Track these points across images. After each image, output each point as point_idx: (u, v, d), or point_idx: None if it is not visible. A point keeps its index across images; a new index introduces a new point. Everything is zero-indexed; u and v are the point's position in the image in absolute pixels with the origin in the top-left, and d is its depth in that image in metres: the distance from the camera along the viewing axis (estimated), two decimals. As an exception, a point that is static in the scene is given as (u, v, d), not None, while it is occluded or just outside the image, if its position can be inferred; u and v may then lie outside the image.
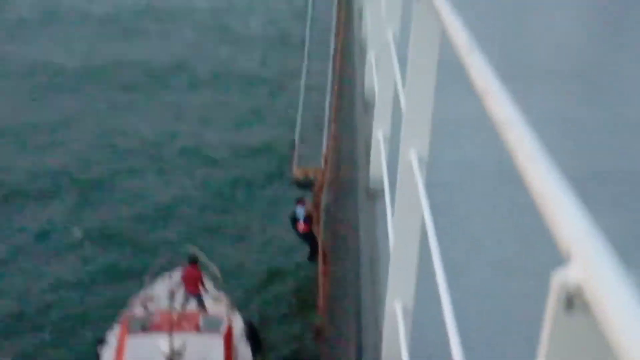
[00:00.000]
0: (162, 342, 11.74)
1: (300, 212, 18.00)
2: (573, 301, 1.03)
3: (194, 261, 14.73)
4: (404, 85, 3.64)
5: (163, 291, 14.63)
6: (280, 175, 23.42)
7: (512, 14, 11.45)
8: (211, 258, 16.06)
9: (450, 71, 2.64)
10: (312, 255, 18.09)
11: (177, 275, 15.11)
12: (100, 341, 14.20)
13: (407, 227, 3.19)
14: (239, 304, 17.30)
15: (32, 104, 31.55)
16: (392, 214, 3.48)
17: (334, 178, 13.58)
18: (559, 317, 1.05)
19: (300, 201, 18.25)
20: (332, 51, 21.31)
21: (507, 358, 3.32)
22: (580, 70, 8.60)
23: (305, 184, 19.20)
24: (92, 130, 30.35)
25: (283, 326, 18.22)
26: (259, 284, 19.86)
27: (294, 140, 21.16)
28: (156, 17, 44.42)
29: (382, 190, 4.42)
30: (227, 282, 17.54)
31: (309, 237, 18.13)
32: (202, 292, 14.55)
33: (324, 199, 16.79)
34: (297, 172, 19.73)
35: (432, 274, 2.56)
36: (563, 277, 1.04)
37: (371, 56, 6.58)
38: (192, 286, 14.40)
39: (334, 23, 21.92)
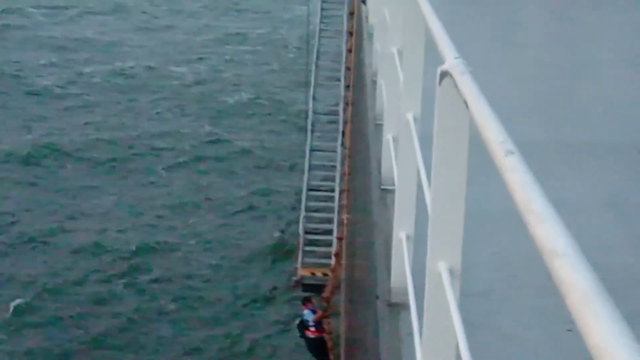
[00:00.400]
0: None
1: (308, 315, 17.51)
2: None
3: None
4: (429, 180, 3.60)
5: None
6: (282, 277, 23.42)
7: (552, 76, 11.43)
8: None
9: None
10: None
11: None
12: None
13: (437, 349, 3.14)
14: None
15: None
16: (420, 334, 3.45)
17: (347, 279, 13.39)
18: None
19: (306, 303, 17.85)
20: (340, 127, 21.03)
21: None
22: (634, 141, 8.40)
23: (312, 287, 18.60)
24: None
25: None
26: None
27: (298, 235, 20.78)
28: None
29: (407, 303, 4.32)
30: None
31: (319, 343, 17.50)
32: None
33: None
34: (301, 272, 19.14)
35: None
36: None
37: (389, 139, 6.52)
38: None
39: (342, 93, 21.71)
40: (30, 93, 47.81)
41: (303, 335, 17.65)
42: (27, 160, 37.93)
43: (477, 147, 2.55)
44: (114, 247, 30.12)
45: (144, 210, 33.58)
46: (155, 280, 27.71)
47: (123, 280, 27.84)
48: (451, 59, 2.96)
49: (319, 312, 17.38)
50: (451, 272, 2.98)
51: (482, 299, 4.54)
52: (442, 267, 3.01)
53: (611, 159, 7.62)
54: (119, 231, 31.58)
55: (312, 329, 17.26)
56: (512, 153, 2.08)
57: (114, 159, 37.81)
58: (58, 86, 47.28)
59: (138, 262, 29.14)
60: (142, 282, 27.90)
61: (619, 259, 5.63)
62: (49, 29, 65.87)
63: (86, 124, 42.84)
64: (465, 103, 2.66)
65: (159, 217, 32.68)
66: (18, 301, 25.48)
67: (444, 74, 2.92)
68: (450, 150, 3.06)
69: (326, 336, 16.94)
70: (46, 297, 25.93)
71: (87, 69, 51.71)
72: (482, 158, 2.39)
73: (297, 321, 18.22)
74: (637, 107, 10.79)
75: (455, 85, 2.78)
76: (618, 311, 1.11)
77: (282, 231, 26.20)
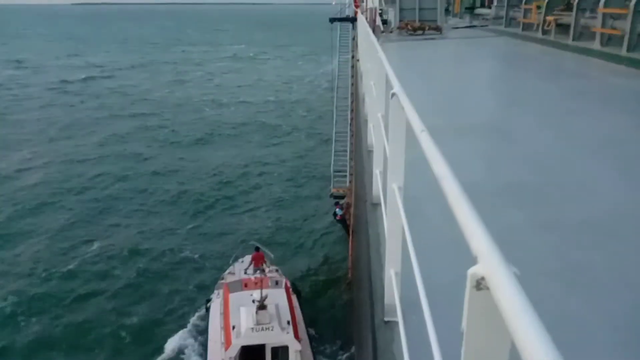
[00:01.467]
0: (254, 294, 11.73)
1: (338, 210, 18.63)
2: (480, 284, 1.05)
3: (257, 248, 15.25)
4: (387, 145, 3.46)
5: (239, 268, 15.29)
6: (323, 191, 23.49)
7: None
8: (267, 246, 16.77)
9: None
10: (346, 233, 18.33)
11: (247, 258, 15.57)
12: (208, 300, 14.58)
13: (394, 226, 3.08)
14: (291, 270, 17.80)
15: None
16: (386, 216, 3.36)
17: (354, 194, 13.62)
18: (472, 293, 1.07)
19: (337, 204, 18.91)
20: (348, 120, 21.15)
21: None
22: (494, 125, 8.46)
23: (338, 196, 19.60)
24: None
25: (324, 281, 18.19)
26: (310, 255, 19.86)
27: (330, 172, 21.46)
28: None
29: (380, 204, 4.32)
30: (282, 258, 18.13)
31: (344, 222, 18.34)
32: (264, 266, 14.88)
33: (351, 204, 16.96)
34: (333, 190, 20.31)
35: (409, 251, 2.52)
36: (474, 271, 1.06)
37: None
38: (258, 263, 14.91)
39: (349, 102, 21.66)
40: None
41: (335, 218, 19.10)
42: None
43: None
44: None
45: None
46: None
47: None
48: (397, 87, 3.04)
49: (345, 209, 18.44)
50: (399, 188, 2.99)
51: (414, 202, 4.58)
52: (394, 186, 3.00)
53: (477, 133, 7.67)
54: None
55: (339, 216, 18.60)
56: (423, 131, 2.37)
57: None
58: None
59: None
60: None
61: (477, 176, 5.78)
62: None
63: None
64: (403, 108, 2.73)
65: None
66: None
67: (393, 95, 2.95)
68: (396, 134, 3.02)
69: (347, 220, 17.49)
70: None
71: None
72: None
73: (332, 212, 19.42)
74: (488, 101, 10.89)
75: (399, 101, 2.82)
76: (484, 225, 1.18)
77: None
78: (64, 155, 31.00)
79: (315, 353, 12.93)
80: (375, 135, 5.17)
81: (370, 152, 6.30)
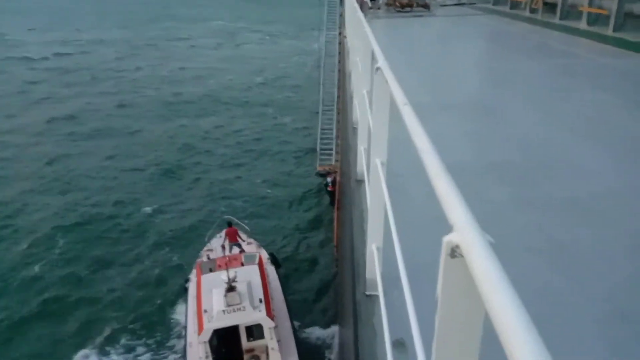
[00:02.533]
0: (222, 275, 11.56)
1: (329, 180, 18.77)
2: (454, 252, 1.05)
3: (229, 223, 14.92)
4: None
5: (217, 245, 14.93)
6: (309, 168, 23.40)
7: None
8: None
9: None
10: (333, 204, 18.43)
11: (223, 234, 15.18)
12: (187, 280, 14.34)
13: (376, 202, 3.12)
14: (276, 245, 17.59)
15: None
16: (369, 192, 3.38)
17: (340, 172, 13.63)
18: (447, 261, 1.07)
19: (329, 174, 19.09)
20: (335, 106, 20.98)
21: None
22: (480, 103, 8.49)
23: (324, 174, 19.70)
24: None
25: (310, 256, 17.98)
26: (297, 231, 19.58)
27: (315, 150, 21.36)
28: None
29: (364, 181, 4.33)
30: (267, 233, 17.93)
31: (332, 193, 18.51)
32: (239, 241, 14.63)
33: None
34: (319, 167, 20.33)
35: (390, 228, 2.53)
36: (449, 239, 1.06)
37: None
38: (232, 238, 14.57)
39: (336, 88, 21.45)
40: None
41: (327, 188, 19.22)
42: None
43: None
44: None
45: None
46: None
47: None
48: (382, 61, 3.03)
49: (333, 179, 18.57)
50: (382, 164, 3.02)
51: (399, 178, 4.58)
52: (377, 162, 3.03)
53: (463, 111, 7.72)
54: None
55: (330, 187, 18.70)
56: (406, 104, 2.35)
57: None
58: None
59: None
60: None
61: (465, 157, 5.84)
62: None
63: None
64: (387, 82, 2.67)
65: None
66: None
67: (378, 69, 2.92)
68: (380, 108, 3.03)
69: (336, 190, 17.72)
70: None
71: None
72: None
73: (323, 182, 19.67)
74: (475, 79, 10.88)
75: (383, 74, 2.79)
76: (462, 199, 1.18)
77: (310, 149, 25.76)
78: (30, 133, 29.68)
79: (297, 326, 12.93)
80: (361, 111, 5.14)
81: (355, 128, 6.30)
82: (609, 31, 15.33)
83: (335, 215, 16.74)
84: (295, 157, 26.62)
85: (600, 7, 16.59)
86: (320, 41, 25.05)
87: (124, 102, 36.49)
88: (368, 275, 3.27)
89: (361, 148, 4.72)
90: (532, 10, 21.60)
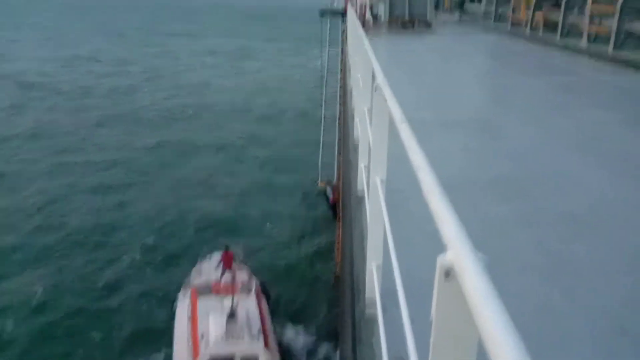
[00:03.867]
0: (225, 301, 11.22)
1: (329, 191, 18.31)
2: (448, 273, 1.04)
3: (227, 248, 14.09)
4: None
5: (208, 267, 14.18)
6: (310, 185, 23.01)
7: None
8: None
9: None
10: (335, 217, 18.09)
11: (216, 257, 14.39)
12: (174, 301, 13.57)
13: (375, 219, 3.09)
14: (273, 264, 16.68)
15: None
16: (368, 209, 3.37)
17: (341, 189, 13.57)
18: (441, 282, 1.06)
19: (329, 184, 18.74)
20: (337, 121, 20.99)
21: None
22: (480, 120, 8.50)
23: (324, 191, 19.18)
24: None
25: (310, 275, 17.15)
26: (296, 248, 18.77)
27: (318, 165, 21.12)
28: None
29: (364, 198, 4.32)
30: (263, 252, 17.14)
31: (333, 205, 18.11)
32: (233, 266, 13.78)
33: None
34: (320, 184, 20.08)
35: (388, 247, 2.52)
36: (443, 259, 1.05)
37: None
38: (227, 263, 13.79)
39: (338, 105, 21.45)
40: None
41: (327, 200, 18.63)
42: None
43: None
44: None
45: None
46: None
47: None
48: (381, 79, 3.02)
49: (335, 195, 18.06)
50: (381, 181, 3.01)
51: (399, 195, 4.52)
52: (377, 179, 3.02)
53: (463, 128, 7.72)
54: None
55: (331, 198, 18.15)
56: (404, 122, 2.36)
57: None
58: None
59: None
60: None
61: (455, 169, 5.87)
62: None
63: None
64: (385, 100, 2.69)
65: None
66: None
67: (376, 87, 2.95)
68: (379, 126, 3.04)
69: (337, 203, 17.46)
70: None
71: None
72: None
73: (321, 190, 19.18)
74: (475, 96, 10.92)
75: (382, 93, 2.80)
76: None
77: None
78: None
79: (294, 344, 12.64)
80: (361, 128, 5.15)
81: (356, 145, 6.30)
82: (609, 49, 15.42)
83: (337, 232, 16.58)
84: (295, 172, 26.43)
85: (600, 26, 16.72)
86: (323, 58, 25.21)
87: (113, 123, 34.41)
88: (367, 293, 3.24)
89: (361, 165, 4.71)
90: (533, 29, 21.78)
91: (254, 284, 13.09)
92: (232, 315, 11.00)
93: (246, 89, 46.67)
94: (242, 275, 13.78)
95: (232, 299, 11.16)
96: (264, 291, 13.64)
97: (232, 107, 40.36)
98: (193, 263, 15.31)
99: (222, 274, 13.53)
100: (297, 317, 14.50)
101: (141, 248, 18.08)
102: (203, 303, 12.03)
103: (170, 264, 17.04)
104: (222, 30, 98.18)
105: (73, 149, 29.00)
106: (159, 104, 40.26)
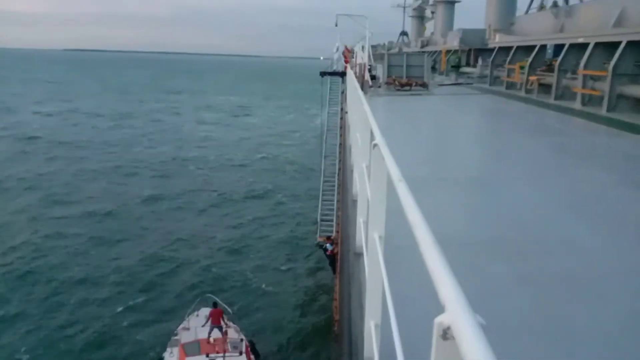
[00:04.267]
0: None
1: (329, 245, 18.05)
2: (446, 334, 1.04)
3: (215, 304, 13.97)
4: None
5: (195, 324, 13.86)
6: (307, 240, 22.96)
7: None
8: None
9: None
10: (334, 270, 17.85)
11: (203, 312, 14.17)
12: (161, 359, 13.10)
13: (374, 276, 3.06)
14: (269, 323, 16.36)
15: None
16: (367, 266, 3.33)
17: (339, 245, 13.42)
18: (439, 343, 1.06)
19: (328, 238, 18.48)
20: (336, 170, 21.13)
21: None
22: (476, 178, 8.58)
23: (322, 245, 18.91)
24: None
25: (307, 333, 16.79)
26: (292, 307, 18.40)
27: (317, 219, 20.93)
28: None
29: (362, 254, 4.29)
30: (257, 310, 16.83)
31: (332, 258, 17.94)
32: (222, 324, 13.46)
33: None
34: (319, 239, 19.84)
35: (387, 305, 2.48)
36: (440, 320, 1.06)
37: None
38: (216, 320, 13.46)
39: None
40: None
41: (325, 254, 17.85)
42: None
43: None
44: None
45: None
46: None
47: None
48: (379, 138, 3.10)
49: (334, 247, 17.72)
50: (380, 238, 3.00)
51: (398, 251, 4.57)
52: (375, 236, 3.01)
53: (459, 186, 7.79)
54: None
55: (329, 251, 17.76)
56: (401, 181, 2.39)
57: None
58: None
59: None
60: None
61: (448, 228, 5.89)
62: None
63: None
64: (383, 159, 2.75)
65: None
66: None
67: (375, 145, 3.00)
68: (378, 183, 3.03)
69: (336, 255, 17.11)
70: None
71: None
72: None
73: (323, 246, 18.66)
74: (471, 155, 11.03)
75: (380, 151, 2.85)
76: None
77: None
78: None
79: None
80: (360, 184, 5.18)
81: (355, 201, 6.31)
82: (602, 111, 15.80)
83: (335, 289, 16.34)
84: (294, 227, 26.45)
85: (593, 89, 17.19)
86: (323, 116, 25.75)
87: (110, 175, 34.24)
88: (366, 354, 3.18)
89: (360, 220, 4.70)
90: (528, 91, 22.37)
91: (244, 342, 12.65)
92: None
93: (246, 145, 47.39)
94: (232, 333, 13.40)
95: (224, 359, 10.73)
96: (253, 350, 13.24)
97: (231, 161, 40.89)
98: (181, 319, 14.90)
99: (211, 331, 13.16)
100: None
101: (128, 302, 17.73)
102: None
103: (159, 320, 16.58)
104: (226, 89, 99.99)
105: (66, 199, 28.89)
106: (157, 158, 40.61)
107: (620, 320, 3.79)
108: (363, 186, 4.64)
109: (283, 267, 21.53)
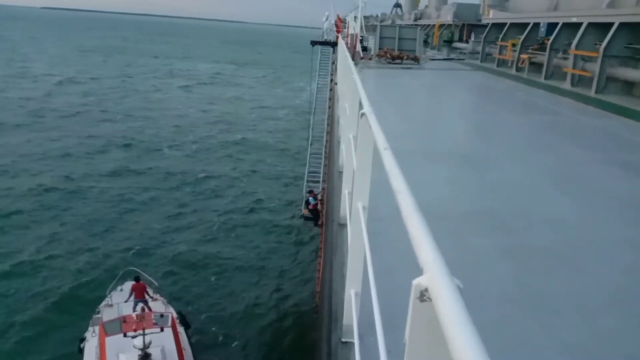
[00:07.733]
0: (136, 341, 10.33)
1: (311, 199, 17.85)
2: (423, 296, 1.03)
3: (137, 278, 13.21)
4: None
5: (118, 300, 13.12)
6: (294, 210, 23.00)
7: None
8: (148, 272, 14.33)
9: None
10: (317, 224, 17.77)
11: (127, 287, 13.51)
12: (82, 340, 12.29)
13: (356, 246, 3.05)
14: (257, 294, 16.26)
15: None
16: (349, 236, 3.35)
17: (324, 216, 13.46)
18: (416, 305, 1.06)
19: (310, 192, 18.31)
20: (324, 141, 21.09)
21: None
22: (463, 153, 8.60)
23: (308, 217, 18.71)
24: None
25: (289, 306, 16.86)
26: (275, 278, 18.47)
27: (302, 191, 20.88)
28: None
29: (346, 225, 4.30)
30: (242, 282, 16.68)
31: (315, 212, 17.76)
32: (146, 297, 12.94)
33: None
34: (304, 211, 19.69)
35: (368, 274, 2.49)
36: (418, 281, 1.05)
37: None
38: (140, 294, 12.92)
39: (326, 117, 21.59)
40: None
41: (308, 207, 17.95)
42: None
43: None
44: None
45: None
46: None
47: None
48: (367, 107, 3.17)
49: (317, 202, 17.55)
50: (364, 208, 2.97)
51: (382, 223, 4.55)
52: (359, 205, 2.99)
53: (446, 160, 7.82)
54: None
55: (312, 205, 17.57)
56: (387, 149, 2.36)
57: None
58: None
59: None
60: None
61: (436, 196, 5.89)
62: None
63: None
64: (370, 127, 2.70)
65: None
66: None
67: (363, 114, 2.95)
68: (364, 153, 3.01)
69: (319, 207, 16.94)
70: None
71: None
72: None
73: (305, 199, 18.36)
74: (460, 130, 11.04)
75: (368, 120, 2.83)
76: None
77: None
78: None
79: None
80: (346, 155, 5.16)
81: (340, 172, 6.31)
82: (591, 92, 15.83)
83: (319, 260, 16.40)
84: (279, 200, 26.36)
85: (583, 69, 17.18)
86: (312, 87, 25.50)
87: (93, 149, 32.73)
88: (345, 321, 3.21)
89: (345, 191, 4.69)
90: (518, 69, 22.31)
91: (171, 316, 11.92)
92: (146, 355, 10.16)
93: (236, 117, 46.58)
94: (157, 305, 12.81)
95: (144, 337, 10.20)
96: (183, 321, 12.69)
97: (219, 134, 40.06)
98: (102, 297, 13.89)
99: (135, 306, 12.54)
100: (275, 346, 14.30)
101: (74, 276, 16.81)
102: (112, 341, 10.94)
103: (86, 298, 15.29)
104: (209, 56, 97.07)
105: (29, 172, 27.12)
106: (139, 135, 37.68)
107: (599, 294, 3.86)
108: (349, 157, 4.63)
109: (268, 244, 21.24)
